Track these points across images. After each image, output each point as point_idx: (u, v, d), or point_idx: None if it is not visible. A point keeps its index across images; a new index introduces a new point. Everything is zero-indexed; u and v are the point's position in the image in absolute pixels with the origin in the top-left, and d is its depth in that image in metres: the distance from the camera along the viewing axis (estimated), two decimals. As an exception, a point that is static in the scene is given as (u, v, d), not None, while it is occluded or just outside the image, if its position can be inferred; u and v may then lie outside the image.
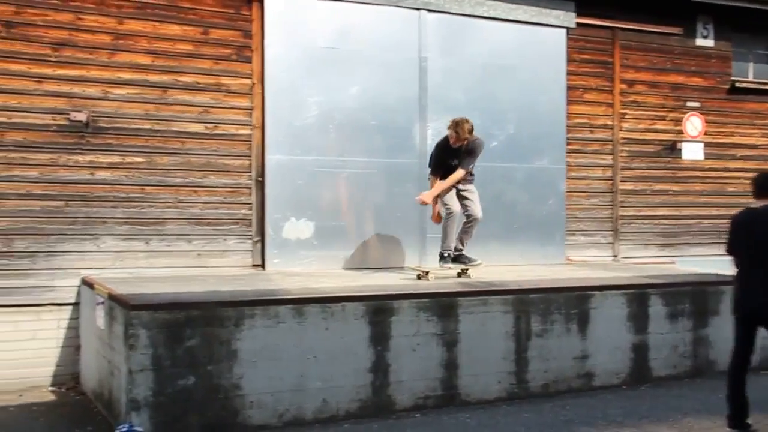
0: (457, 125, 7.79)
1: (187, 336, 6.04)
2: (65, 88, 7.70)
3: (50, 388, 7.54)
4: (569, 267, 9.66)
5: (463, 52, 9.50)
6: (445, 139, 7.98)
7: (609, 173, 10.48)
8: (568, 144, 10.10)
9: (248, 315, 6.23)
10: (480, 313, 7.06)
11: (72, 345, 7.70)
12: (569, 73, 10.08)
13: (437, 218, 8.28)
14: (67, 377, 7.66)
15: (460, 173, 7.94)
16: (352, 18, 8.91)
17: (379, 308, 6.69)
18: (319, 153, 8.76)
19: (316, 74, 8.75)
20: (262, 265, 8.49)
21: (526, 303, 7.27)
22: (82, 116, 7.73)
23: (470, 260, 8.23)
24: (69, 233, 7.73)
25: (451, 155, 7.98)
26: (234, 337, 6.17)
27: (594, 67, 10.35)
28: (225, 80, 8.36)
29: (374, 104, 9.03)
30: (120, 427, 5.78)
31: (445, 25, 9.37)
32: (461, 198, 8.09)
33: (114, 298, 6.38)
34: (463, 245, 8.22)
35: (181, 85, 8.17)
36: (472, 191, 8.18)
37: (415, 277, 8.05)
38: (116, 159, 7.91)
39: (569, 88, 10.09)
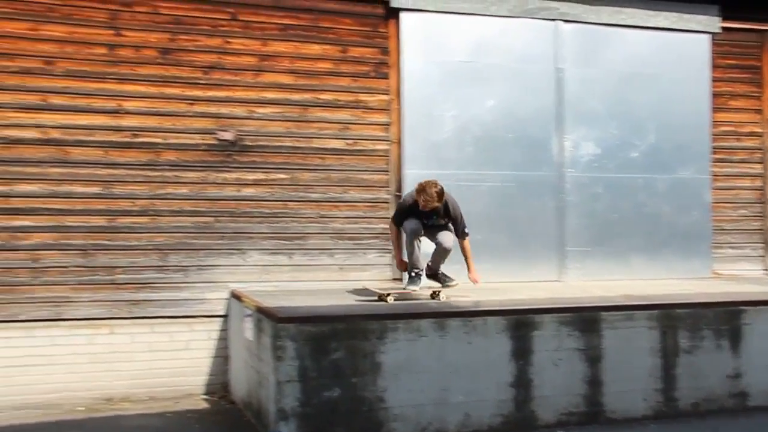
0: (424, 191, 7.08)
1: (332, 348, 6.18)
2: (214, 109, 8.05)
3: (203, 396, 7.87)
4: (717, 281, 9.27)
5: (601, 61, 9.32)
6: (414, 201, 7.27)
7: (759, 183, 10.01)
8: (713, 153, 9.71)
9: (391, 328, 6.32)
10: (624, 328, 6.89)
11: (222, 355, 8.01)
12: (714, 79, 9.69)
13: (402, 264, 7.68)
14: (218, 386, 7.98)
15: (467, 244, 7.50)
16: (487, 31, 8.92)
17: (520, 322, 6.65)
18: (456, 167, 8.79)
19: (453, 88, 8.80)
20: (401, 279, 8.57)
21: (673, 318, 7.03)
22: (229, 135, 8.07)
23: (446, 280, 7.54)
24: (218, 248, 8.06)
25: (424, 215, 7.31)
26: (377, 350, 6.27)
27: (741, 73, 9.93)
28: (363, 97, 8.53)
29: (510, 117, 8.99)
30: (270, 435, 5.99)
31: (581, 35, 9.23)
32: (432, 229, 7.44)
33: (262, 311, 6.61)
34: (437, 266, 7.53)
35: (321, 102, 8.40)
36: (443, 224, 7.47)
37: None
38: (261, 176, 8.20)
39: (714, 95, 9.70)
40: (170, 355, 7.85)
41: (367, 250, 8.52)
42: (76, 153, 7.68)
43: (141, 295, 7.82)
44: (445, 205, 7.32)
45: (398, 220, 7.49)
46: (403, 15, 8.61)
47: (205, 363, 7.99)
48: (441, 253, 7.43)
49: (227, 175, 8.11)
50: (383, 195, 8.59)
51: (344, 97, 8.46)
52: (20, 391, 7.40)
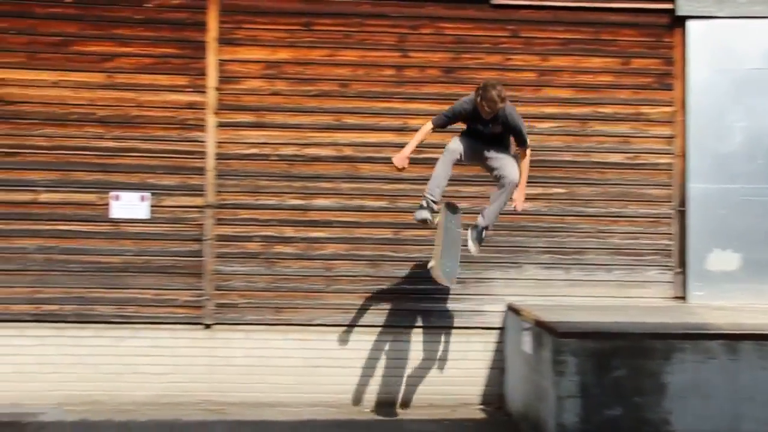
0: (486, 94, 6.34)
1: (614, 366, 6.09)
2: (493, 125, 8.23)
3: (478, 407, 8.03)
4: None
5: None
6: (470, 107, 6.62)
7: None
8: None
9: (677, 348, 6.10)
10: None
11: (497, 367, 8.12)
12: None
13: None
14: (493, 397, 8.09)
15: (527, 157, 6.86)
16: (784, 35, 8.34)
17: (824, 350, 6.13)
18: (745, 181, 8.27)
19: (743, 97, 8.30)
20: (683, 297, 8.22)
21: None
22: (508, 151, 8.21)
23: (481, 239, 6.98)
24: (495, 261, 8.20)
25: (480, 121, 6.63)
26: (662, 370, 6.07)
27: None
28: (644, 109, 8.29)
29: (810, 127, 8.32)
30: (550, 450, 5.99)
31: None
32: (490, 165, 6.84)
33: (541, 325, 6.64)
34: (493, 216, 6.92)
35: (601, 116, 8.28)
36: (503, 157, 6.80)
37: None
38: (539, 190, 8.22)
39: None
40: (447, 364, 8.11)
41: (647, 266, 8.24)
42: (366, 169, 8.21)
43: (422, 305, 8.14)
44: (503, 112, 6.57)
45: (442, 123, 6.85)
46: (689, 23, 8.28)
47: (480, 374, 8.14)
48: (505, 193, 6.79)
49: (507, 190, 8.23)
50: (665, 210, 8.28)
51: (625, 110, 8.29)
52: (313, 389, 8.00)
